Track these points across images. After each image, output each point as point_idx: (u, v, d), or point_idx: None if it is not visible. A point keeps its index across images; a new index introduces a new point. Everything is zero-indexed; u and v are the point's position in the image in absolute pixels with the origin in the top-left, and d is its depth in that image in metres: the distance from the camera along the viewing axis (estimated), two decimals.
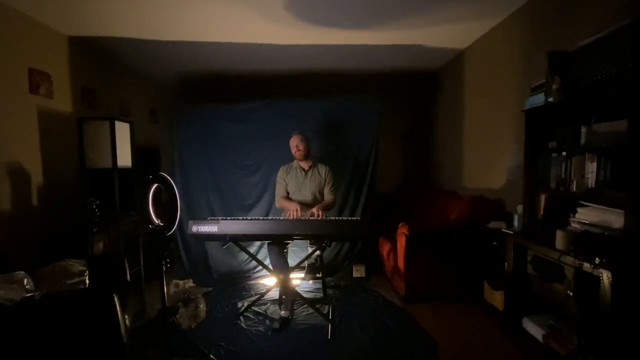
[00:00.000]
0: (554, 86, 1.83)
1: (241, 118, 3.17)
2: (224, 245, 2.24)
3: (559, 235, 1.70)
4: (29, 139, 2.55)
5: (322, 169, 2.77)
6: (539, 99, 1.98)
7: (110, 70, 3.57)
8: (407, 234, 2.55)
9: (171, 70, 4.07)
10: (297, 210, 2.40)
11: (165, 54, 3.51)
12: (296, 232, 2.18)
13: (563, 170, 1.87)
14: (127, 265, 2.26)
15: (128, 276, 2.25)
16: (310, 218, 2.37)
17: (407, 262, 2.60)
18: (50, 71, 2.74)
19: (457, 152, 3.66)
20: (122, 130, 2.41)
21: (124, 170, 2.45)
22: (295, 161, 2.77)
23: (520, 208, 2.17)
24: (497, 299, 2.34)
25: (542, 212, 2.00)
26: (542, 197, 2.01)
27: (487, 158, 3.07)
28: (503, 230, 2.20)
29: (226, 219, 2.27)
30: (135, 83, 4.01)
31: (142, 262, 2.62)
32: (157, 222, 1.72)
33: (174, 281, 2.47)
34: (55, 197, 2.67)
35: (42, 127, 2.63)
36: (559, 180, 1.90)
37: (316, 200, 2.73)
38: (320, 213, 2.39)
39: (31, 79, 2.57)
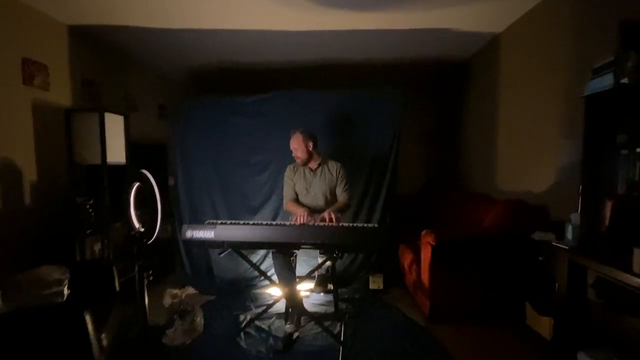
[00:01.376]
0: (629, 64, 1.44)
1: (248, 111, 2.91)
2: (220, 254, 1.96)
3: (639, 256, 1.31)
4: (22, 133, 2.39)
5: (333, 166, 2.45)
6: (604, 81, 1.57)
7: (115, 63, 3.41)
8: (433, 244, 2.19)
9: (180, 63, 3.88)
10: (304, 216, 2.10)
11: (173, 45, 3.31)
12: (303, 240, 1.88)
13: (638, 171, 1.47)
14: (115, 273, 2.04)
15: (117, 284, 2.04)
16: (320, 224, 2.05)
17: (433, 276, 2.24)
18: (47, 62, 2.58)
19: (489, 150, 3.24)
20: (115, 124, 2.21)
21: (118, 167, 2.24)
22: None
23: (575, 217, 1.77)
24: (543, 325, 1.94)
25: (607, 224, 1.60)
26: (608, 205, 1.61)
27: (527, 157, 2.66)
28: (554, 243, 1.81)
29: (225, 224, 2.01)
30: (143, 77, 3.85)
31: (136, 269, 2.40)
32: (137, 227, 1.47)
33: (170, 291, 2.23)
34: (50, 196, 2.50)
35: (37, 121, 2.46)
36: (631, 183, 1.50)
37: (328, 202, 2.42)
38: (333, 217, 2.07)
39: (25, 70, 2.41)
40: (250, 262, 2.13)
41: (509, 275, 2.24)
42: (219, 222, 2.11)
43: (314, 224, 2.02)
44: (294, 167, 2.50)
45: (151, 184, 1.49)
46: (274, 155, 2.91)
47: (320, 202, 2.41)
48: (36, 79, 2.49)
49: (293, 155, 2.38)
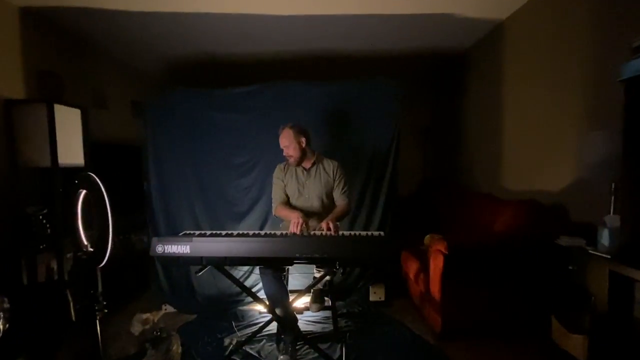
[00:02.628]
0: None
1: (230, 105, 2.57)
2: (198, 272, 1.64)
3: None
4: None
5: (330, 165, 2.16)
6: None
7: (79, 53, 3.01)
8: (445, 252, 1.93)
9: (154, 54, 3.51)
10: (299, 224, 1.79)
11: (144, 32, 2.95)
12: (297, 254, 1.57)
13: None
14: (70, 299, 1.69)
15: (73, 314, 1.68)
16: (318, 232, 1.75)
17: (445, 288, 1.98)
18: None
19: (493, 147, 3.01)
20: (69, 119, 1.85)
21: (75, 170, 1.89)
22: None
23: (612, 220, 1.54)
24: (575, 344, 1.70)
25: None
26: None
27: (539, 152, 2.43)
28: (590, 251, 1.57)
29: (203, 235, 1.69)
30: (113, 70, 3.47)
31: (98, 290, 2.04)
32: (85, 246, 1.14)
33: (138, 316, 1.88)
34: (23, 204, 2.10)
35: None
36: None
37: (324, 206, 2.12)
38: (332, 226, 1.77)
39: None
40: (234, 280, 1.80)
41: (531, 286, 2.00)
42: (197, 233, 1.79)
43: (310, 234, 1.72)
44: (284, 167, 2.19)
45: (101, 191, 1.16)
46: (261, 154, 2.59)
47: (315, 205, 2.11)
48: None
49: (284, 154, 2.08)
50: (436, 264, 2.02)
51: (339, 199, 2.13)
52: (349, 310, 2.51)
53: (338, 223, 1.93)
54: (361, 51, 3.47)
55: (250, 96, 2.60)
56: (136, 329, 1.86)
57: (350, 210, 2.13)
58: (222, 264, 1.69)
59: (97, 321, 1.19)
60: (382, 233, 1.72)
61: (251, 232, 1.79)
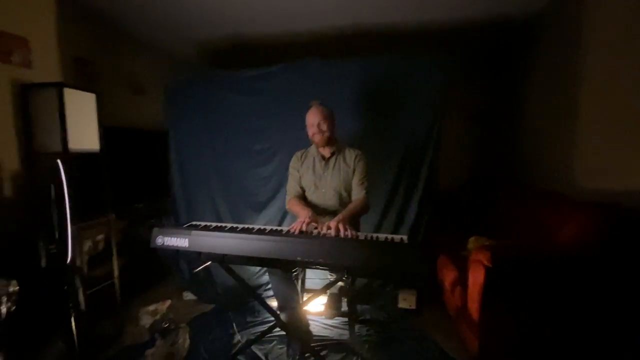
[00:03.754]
0: None
1: (250, 87, 2.40)
2: (194, 270, 1.52)
3: None
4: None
5: (350, 155, 1.88)
6: None
7: (115, 40, 3.07)
8: (488, 264, 1.56)
9: (187, 39, 3.47)
10: (305, 222, 1.56)
11: (176, 16, 2.88)
12: (299, 258, 1.36)
13: None
14: (80, 285, 1.69)
15: (82, 301, 1.68)
16: (327, 232, 1.51)
17: (485, 308, 1.62)
18: (27, 36, 2.29)
19: (565, 134, 2.45)
20: (83, 103, 1.83)
21: (89, 155, 1.88)
22: (314, 146, 1.92)
23: None
24: None
25: None
26: None
27: (630, 141, 1.88)
28: None
29: (208, 227, 1.56)
30: (149, 57, 3.51)
31: (116, 275, 2.06)
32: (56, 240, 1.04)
33: (145, 309, 1.83)
34: (37, 188, 2.23)
35: (18, 103, 2.18)
36: None
37: (343, 203, 1.87)
38: (342, 229, 1.50)
39: (1, 44, 2.13)
40: (236, 277, 1.65)
41: (601, 318, 1.55)
42: (202, 225, 1.67)
43: (317, 234, 1.49)
44: (301, 155, 1.97)
45: (60, 179, 1.05)
46: (282, 142, 2.40)
47: (331, 201, 1.87)
48: (14, 55, 2.19)
49: (311, 133, 1.81)
50: (476, 278, 1.67)
51: (355, 191, 1.85)
52: (373, 316, 2.25)
53: (351, 229, 1.63)
54: (406, 24, 3.04)
55: (270, 77, 2.40)
56: (145, 321, 1.82)
57: (368, 206, 1.84)
58: (220, 261, 1.55)
59: (72, 318, 1.11)
60: (404, 238, 1.42)
61: (256, 228, 1.60)
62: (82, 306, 1.66)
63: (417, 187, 2.36)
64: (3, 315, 1.39)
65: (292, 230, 1.54)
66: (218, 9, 2.77)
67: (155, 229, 1.58)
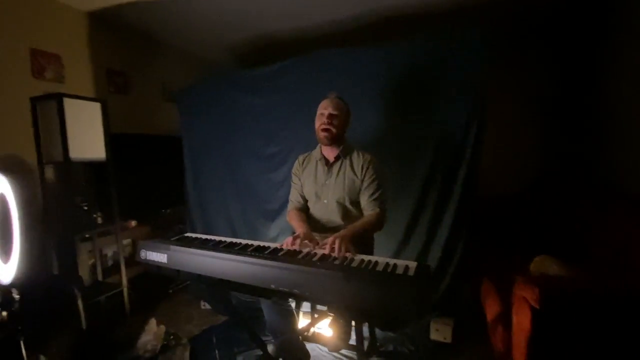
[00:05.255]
0: None
1: (260, 86, 2.22)
2: (171, 290, 1.37)
3: None
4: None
5: (359, 160, 1.57)
6: None
7: (144, 49, 3.15)
8: (535, 305, 1.14)
9: (215, 43, 3.45)
10: (293, 244, 1.31)
11: (203, 18, 2.85)
12: (273, 286, 1.12)
13: None
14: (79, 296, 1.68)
15: (82, 321, 1.66)
16: (320, 251, 1.25)
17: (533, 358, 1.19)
18: (60, 52, 2.43)
19: None
20: (88, 113, 1.83)
21: (96, 164, 1.89)
22: (318, 148, 1.66)
23: None
24: None
25: None
26: None
27: None
28: None
29: (183, 245, 1.40)
30: (178, 62, 3.55)
31: (125, 284, 2.04)
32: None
33: (149, 326, 1.76)
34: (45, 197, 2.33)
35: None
36: None
37: (348, 217, 1.57)
38: (338, 247, 1.23)
39: (34, 62, 2.28)
40: (222, 298, 1.47)
41: None
42: (193, 236, 1.54)
43: (303, 256, 1.23)
44: (303, 160, 1.72)
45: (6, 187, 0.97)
46: (293, 145, 2.17)
47: (334, 215, 1.58)
48: (47, 71, 2.35)
49: (317, 125, 1.55)
50: (521, 320, 1.24)
51: (367, 207, 1.53)
52: (397, 349, 1.89)
53: (352, 247, 1.32)
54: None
55: (281, 74, 2.19)
56: (142, 340, 1.75)
57: (382, 223, 1.51)
58: (198, 281, 1.38)
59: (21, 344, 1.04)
60: (411, 266, 1.08)
61: (243, 244, 1.40)
62: (81, 313, 1.63)
63: (453, 193, 1.94)
64: (4, 320, 1.40)
65: (284, 248, 1.31)
66: (242, 8, 2.66)
67: (140, 242, 1.48)
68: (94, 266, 2.10)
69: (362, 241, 1.50)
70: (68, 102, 1.72)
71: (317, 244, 1.35)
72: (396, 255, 2.03)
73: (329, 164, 1.61)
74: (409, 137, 2.00)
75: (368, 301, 0.96)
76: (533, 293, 1.14)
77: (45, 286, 1.70)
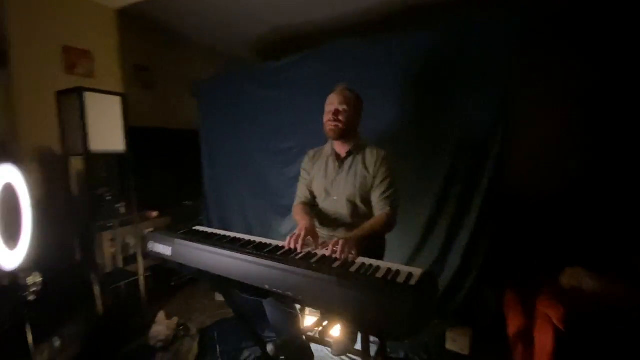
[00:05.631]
0: None
1: (277, 80, 2.18)
2: (172, 283, 1.38)
3: None
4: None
5: (372, 157, 1.48)
6: None
7: (170, 45, 3.22)
8: (560, 326, 1.00)
9: (239, 35, 3.44)
10: (298, 237, 1.27)
11: (226, 15, 2.87)
12: (267, 286, 1.08)
13: None
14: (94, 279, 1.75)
15: (98, 306, 1.73)
16: (318, 252, 1.19)
17: None
18: (91, 48, 2.54)
19: None
20: (108, 106, 1.89)
21: (115, 156, 1.95)
22: (329, 143, 1.59)
23: None
24: None
25: None
26: None
27: None
28: None
29: (187, 238, 1.40)
30: (203, 57, 3.60)
31: (141, 272, 2.11)
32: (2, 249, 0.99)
33: (160, 317, 1.80)
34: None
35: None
36: None
37: (357, 215, 1.49)
38: (341, 248, 1.16)
39: (66, 58, 2.41)
40: (225, 294, 1.46)
41: None
42: (202, 230, 1.54)
43: (301, 257, 1.18)
44: (313, 155, 1.66)
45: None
46: (307, 138, 2.10)
47: (343, 212, 1.50)
48: (78, 67, 2.47)
49: (326, 119, 1.48)
50: (543, 340, 1.10)
51: (377, 206, 1.44)
52: (408, 356, 1.80)
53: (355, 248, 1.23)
54: None
55: (294, 67, 2.13)
56: (156, 328, 1.79)
57: (392, 224, 1.42)
58: (198, 276, 1.38)
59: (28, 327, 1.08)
60: (415, 273, 0.99)
61: (247, 239, 1.38)
62: (98, 298, 1.71)
63: (476, 193, 1.79)
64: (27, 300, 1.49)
65: (286, 246, 1.27)
66: (264, 1, 2.63)
67: (148, 233, 1.51)
68: (116, 254, 2.19)
69: (372, 243, 1.42)
70: (89, 96, 1.78)
71: (319, 242, 1.30)
72: (412, 258, 1.92)
73: (340, 160, 1.53)
74: (429, 133, 1.88)
75: (360, 310, 0.89)
76: (557, 312, 1.01)
77: (66, 271, 1.79)
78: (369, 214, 1.48)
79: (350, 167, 1.51)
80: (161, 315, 1.83)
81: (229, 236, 1.46)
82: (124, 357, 1.71)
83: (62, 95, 1.90)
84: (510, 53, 1.66)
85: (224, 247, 1.24)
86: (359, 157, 1.50)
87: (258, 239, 1.38)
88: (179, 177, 2.89)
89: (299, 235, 1.27)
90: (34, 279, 1.62)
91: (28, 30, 2.17)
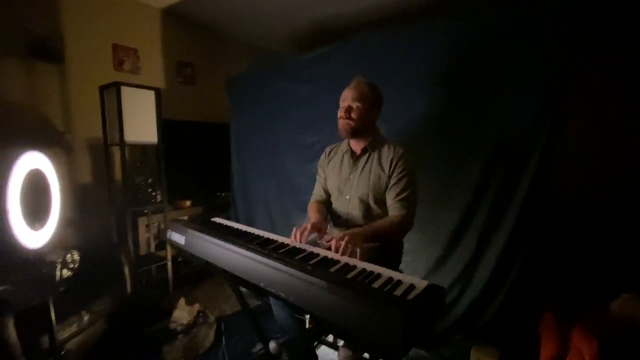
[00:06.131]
0: None
1: (304, 73, 2.14)
2: (183, 271, 1.42)
3: None
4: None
5: (388, 154, 1.38)
6: None
7: (211, 41, 3.33)
8: (594, 356, 0.84)
9: (277, 29, 3.47)
10: (301, 233, 1.23)
11: (264, 7, 2.90)
12: (262, 284, 1.06)
13: None
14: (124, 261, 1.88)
15: (127, 287, 1.86)
16: (320, 245, 1.15)
17: None
18: (137, 46, 2.72)
19: None
20: (143, 100, 2.01)
21: (148, 147, 2.07)
22: (346, 139, 1.52)
23: None
24: None
25: None
26: None
27: None
28: None
29: (200, 230, 1.43)
30: (242, 52, 3.68)
31: (169, 258, 2.22)
32: (25, 229, 1.07)
33: (178, 305, 1.89)
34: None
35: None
36: None
37: (370, 216, 1.41)
38: (345, 245, 1.10)
39: (115, 55, 2.61)
40: (233, 287, 1.48)
41: None
42: (218, 221, 1.57)
43: (301, 257, 1.14)
44: (330, 152, 1.61)
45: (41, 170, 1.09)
46: (332, 133, 2.03)
47: (355, 213, 1.43)
48: (126, 64, 2.67)
49: (338, 116, 1.41)
50: None
51: (392, 207, 1.34)
52: None
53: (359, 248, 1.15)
54: None
55: (322, 60, 2.08)
56: (177, 315, 1.88)
57: (406, 228, 1.32)
58: (206, 268, 1.40)
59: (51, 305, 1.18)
60: (418, 285, 0.89)
61: (257, 234, 1.37)
62: (127, 279, 1.84)
63: (513, 199, 1.60)
64: (64, 277, 1.66)
65: (291, 237, 1.25)
66: None
67: (171, 222, 1.57)
68: (150, 239, 2.35)
69: (385, 251, 1.33)
70: (125, 90, 1.90)
71: (324, 237, 1.26)
72: (434, 269, 1.79)
73: (354, 157, 1.46)
74: (463, 130, 1.71)
75: (348, 321, 0.82)
76: (590, 347, 0.85)
77: (104, 251, 1.95)
78: (382, 213, 1.38)
79: (364, 165, 1.42)
80: (182, 301, 1.92)
81: (241, 230, 1.46)
82: (145, 337, 1.83)
83: (104, 89, 2.06)
84: (566, 37, 1.43)
85: (227, 241, 1.23)
86: (375, 155, 1.42)
87: (267, 235, 1.36)
88: (213, 168, 3.00)
89: (304, 228, 1.23)
90: (72, 256, 1.80)
91: (81, 30, 2.39)
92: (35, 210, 1.13)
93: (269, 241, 1.30)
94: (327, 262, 1.10)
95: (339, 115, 1.41)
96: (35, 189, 1.14)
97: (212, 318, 1.97)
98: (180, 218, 2.62)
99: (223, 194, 3.09)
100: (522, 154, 1.56)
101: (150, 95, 2.07)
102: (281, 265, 1.01)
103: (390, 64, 1.86)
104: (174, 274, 2.25)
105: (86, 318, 1.57)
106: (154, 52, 2.89)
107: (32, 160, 1.09)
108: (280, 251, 1.18)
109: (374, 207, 1.40)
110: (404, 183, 1.34)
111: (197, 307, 1.97)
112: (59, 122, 2.27)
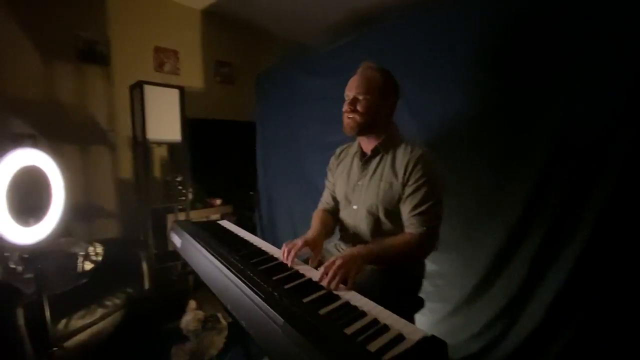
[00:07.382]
0: None
1: (327, 67, 1.95)
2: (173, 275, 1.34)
3: None
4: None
5: (404, 156, 1.11)
6: None
7: (248, 40, 3.31)
8: None
9: (315, 22, 3.32)
10: (289, 251, 1.04)
11: (300, 8, 2.81)
12: (229, 307, 0.91)
13: None
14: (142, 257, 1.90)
15: (145, 282, 1.89)
16: (307, 272, 0.95)
17: None
18: (177, 47, 2.80)
19: None
20: (167, 99, 2.02)
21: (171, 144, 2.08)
22: (358, 139, 1.29)
23: None
24: None
25: None
26: None
27: None
28: None
29: (194, 234, 1.34)
30: (279, 50, 3.59)
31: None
32: (12, 225, 1.06)
33: (188, 307, 1.85)
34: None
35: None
36: None
37: (378, 231, 1.16)
38: (333, 273, 0.89)
39: (156, 57, 2.71)
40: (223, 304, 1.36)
41: None
42: (222, 225, 1.51)
43: (280, 277, 0.95)
44: (340, 153, 1.40)
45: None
46: None
47: (362, 226, 1.19)
48: (166, 65, 2.76)
49: (346, 110, 1.16)
50: None
51: (408, 223, 1.08)
52: None
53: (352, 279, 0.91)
54: None
55: (345, 52, 1.86)
56: (187, 317, 1.84)
57: (426, 249, 1.05)
58: (194, 274, 1.30)
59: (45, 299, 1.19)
60: (408, 338, 0.65)
61: (254, 243, 1.24)
62: (145, 275, 1.86)
63: (582, 217, 1.21)
64: (86, 269, 1.73)
65: (281, 255, 1.08)
66: None
67: (175, 223, 1.53)
68: None
69: (399, 274, 1.08)
70: (149, 89, 1.93)
71: (317, 258, 1.06)
72: (473, 296, 1.45)
73: (364, 159, 1.23)
74: (511, 127, 1.36)
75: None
76: None
77: (129, 246, 2.01)
78: (397, 231, 1.13)
79: (375, 170, 1.18)
80: (192, 303, 1.87)
81: (238, 238, 1.34)
82: (155, 335, 1.83)
83: (133, 89, 2.12)
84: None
85: (210, 250, 1.11)
86: (388, 157, 1.16)
87: (264, 246, 1.21)
88: (245, 167, 2.97)
89: (294, 245, 1.05)
90: (95, 249, 1.87)
91: (126, 34, 2.51)
92: (30, 206, 1.14)
93: (257, 254, 1.14)
94: (309, 287, 0.91)
95: (343, 108, 1.18)
96: (34, 186, 1.16)
97: (224, 323, 1.88)
98: (205, 219, 2.63)
99: (252, 193, 3.06)
100: (595, 159, 1.17)
101: (175, 93, 2.08)
102: (246, 288, 0.84)
103: (421, 49, 1.57)
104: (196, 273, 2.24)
105: (98, 312, 1.60)
106: (194, 53, 2.96)
107: (25, 157, 1.09)
108: (261, 268, 1.01)
109: (384, 221, 1.15)
110: (422, 193, 1.07)
111: (201, 313, 1.90)
112: (104, 121, 2.44)
